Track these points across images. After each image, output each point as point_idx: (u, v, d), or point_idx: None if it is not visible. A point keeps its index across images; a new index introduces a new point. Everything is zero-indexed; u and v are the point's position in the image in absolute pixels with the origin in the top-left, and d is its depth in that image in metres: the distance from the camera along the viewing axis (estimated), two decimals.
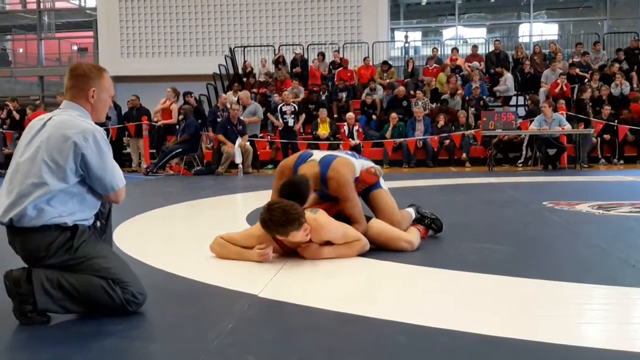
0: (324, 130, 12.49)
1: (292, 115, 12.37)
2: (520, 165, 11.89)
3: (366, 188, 3.91)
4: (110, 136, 11.96)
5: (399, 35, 19.45)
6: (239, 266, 3.35)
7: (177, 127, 11.93)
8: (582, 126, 11.43)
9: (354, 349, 2.13)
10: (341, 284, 3.08)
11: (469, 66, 14.43)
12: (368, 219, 3.76)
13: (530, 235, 4.39)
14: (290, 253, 3.49)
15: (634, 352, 2.02)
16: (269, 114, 12.95)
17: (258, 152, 11.99)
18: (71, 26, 22.85)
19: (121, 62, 17.83)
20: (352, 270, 3.31)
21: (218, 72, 15.26)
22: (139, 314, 2.48)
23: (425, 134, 12.28)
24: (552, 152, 10.92)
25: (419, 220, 4.11)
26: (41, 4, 21.13)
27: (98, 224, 2.62)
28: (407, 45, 18.24)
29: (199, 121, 12.02)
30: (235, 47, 16.95)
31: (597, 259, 3.58)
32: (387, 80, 14.35)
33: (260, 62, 15.81)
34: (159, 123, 12.40)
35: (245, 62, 16.03)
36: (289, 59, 16.03)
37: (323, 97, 13.92)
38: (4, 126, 13.02)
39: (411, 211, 4.13)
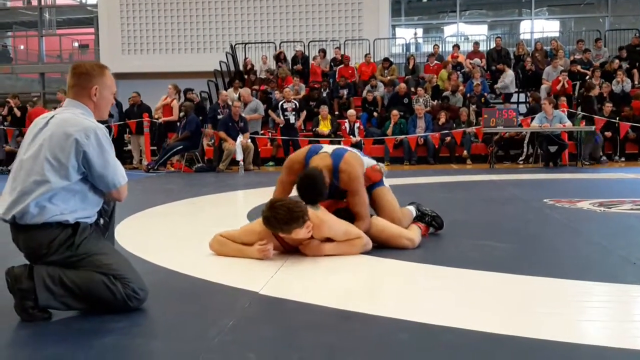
0: (325, 127, 12.48)
1: (293, 112, 12.36)
2: (521, 162, 11.89)
3: (369, 185, 3.92)
4: (112, 133, 11.96)
5: (400, 32, 19.43)
6: (240, 263, 3.35)
7: (178, 124, 11.92)
8: (584, 123, 11.39)
9: (355, 346, 2.13)
10: (342, 281, 3.08)
11: (470, 63, 14.40)
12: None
13: (531, 233, 4.39)
14: (290, 250, 3.48)
15: (635, 350, 2.02)
16: (269, 111, 12.94)
17: (259, 149, 11.99)
18: (72, 23, 22.81)
19: (122, 59, 17.82)
20: (353, 268, 3.31)
21: (219, 69, 15.23)
22: (140, 311, 2.48)
23: (426, 131, 12.28)
24: (553, 149, 10.91)
25: (420, 217, 4.12)
26: (42, 1, 21.09)
27: (101, 221, 2.63)
28: (413, 41, 18.18)
29: (200, 118, 12.02)
30: (236, 44, 16.94)
31: (598, 256, 3.58)
32: (388, 77, 14.34)
33: (261, 59, 15.79)
34: (160, 120, 12.41)
35: (246, 59, 16.02)
36: (290, 55, 16.02)
37: (324, 94, 13.90)
38: (5, 123, 12.98)
39: (412, 209, 4.13)
